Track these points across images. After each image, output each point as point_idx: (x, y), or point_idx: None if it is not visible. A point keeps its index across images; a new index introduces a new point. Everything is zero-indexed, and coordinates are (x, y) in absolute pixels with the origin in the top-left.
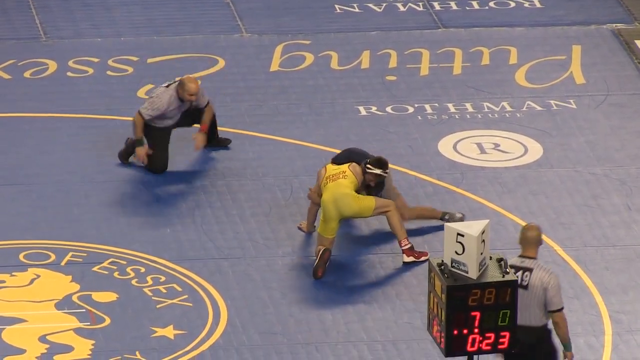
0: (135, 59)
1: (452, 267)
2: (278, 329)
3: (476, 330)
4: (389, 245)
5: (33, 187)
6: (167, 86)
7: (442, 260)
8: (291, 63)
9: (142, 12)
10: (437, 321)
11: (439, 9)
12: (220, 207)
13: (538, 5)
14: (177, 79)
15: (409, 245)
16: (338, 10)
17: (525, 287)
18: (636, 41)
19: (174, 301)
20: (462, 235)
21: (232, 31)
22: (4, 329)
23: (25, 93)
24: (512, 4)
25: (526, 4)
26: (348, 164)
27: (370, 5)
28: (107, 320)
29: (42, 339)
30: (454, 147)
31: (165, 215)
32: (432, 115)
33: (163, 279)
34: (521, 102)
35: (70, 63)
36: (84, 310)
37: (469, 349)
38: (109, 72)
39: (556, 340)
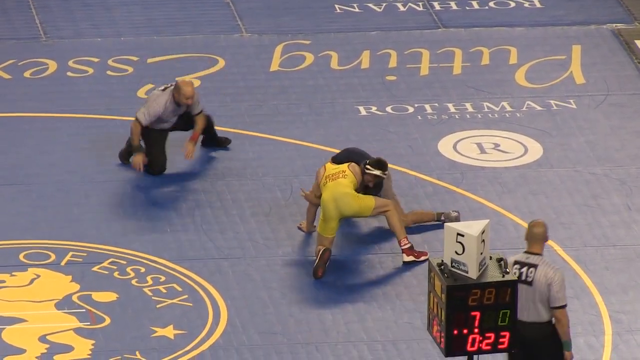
0: (135, 59)
1: (452, 267)
2: (278, 329)
3: (476, 330)
4: (389, 245)
5: (33, 187)
6: (163, 90)
7: (442, 260)
8: (291, 63)
9: (142, 12)
10: (437, 321)
11: (439, 9)
12: (220, 207)
13: (538, 5)
14: (177, 79)
15: (408, 245)
16: (338, 10)
17: (530, 284)
18: (636, 41)
19: (174, 301)
20: (462, 235)
21: (232, 31)
22: (4, 329)
23: (25, 93)
24: (512, 4)
25: (526, 4)
26: (347, 163)
27: (370, 5)
28: (107, 320)
29: (42, 338)
30: (454, 147)
31: (165, 215)
32: (432, 115)
33: (163, 279)
34: (521, 102)
35: (70, 63)
36: (84, 310)
37: (469, 348)
38: (109, 72)
39: None
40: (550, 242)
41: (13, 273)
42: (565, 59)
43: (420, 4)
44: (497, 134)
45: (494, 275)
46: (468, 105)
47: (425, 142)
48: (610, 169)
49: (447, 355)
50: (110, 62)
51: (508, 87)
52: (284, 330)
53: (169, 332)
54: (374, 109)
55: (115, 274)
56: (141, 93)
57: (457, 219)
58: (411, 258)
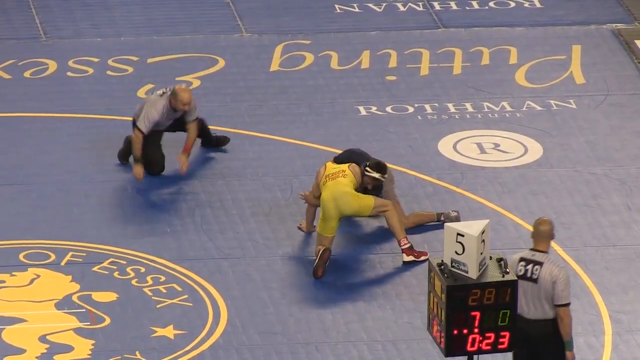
0: (135, 58)
1: (452, 267)
2: (278, 328)
3: (476, 330)
4: (389, 245)
5: (33, 187)
6: (161, 95)
7: (442, 260)
8: (291, 63)
9: (142, 12)
10: (437, 321)
11: (439, 9)
12: (220, 207)
13: (538, 5)
14: (176, 86)
15: (408, 245)
16: (338, 10)
17: (535, 281)
18: (636, 41)
19: (174, 301)
20: (462, 235)
21: (232, 31)
22: (4, 329)
23: (25, 93)
24: (512, 4)
25: (526, 4)
26: (348, 163)
27: (370, 5)
28: (107, 320)
29: (42, 338)
30: (454, 147)
31: (165, 215)
32: (432, 115)
33: (163, 278)
34: (521, 102)
35: (70, 63)
36: (84, 310)
37: (469, 348)
38: (109, 72)
39: None
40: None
41: (13, 273)
42: (565, 59)
43: (420, 4)
44: (497, 134)
45: (494, 275)
46: (468, 105)
47: (425, 142)
48: (610, 169)
49: (447, 355)
50: (110, 62)
51: (508, 87)
52: (284, 330)
53: (169, 332)
54: (374, 109)
55: (115, 274)
56: (141, 93)
57: (457, 219)
58: (411, 258)
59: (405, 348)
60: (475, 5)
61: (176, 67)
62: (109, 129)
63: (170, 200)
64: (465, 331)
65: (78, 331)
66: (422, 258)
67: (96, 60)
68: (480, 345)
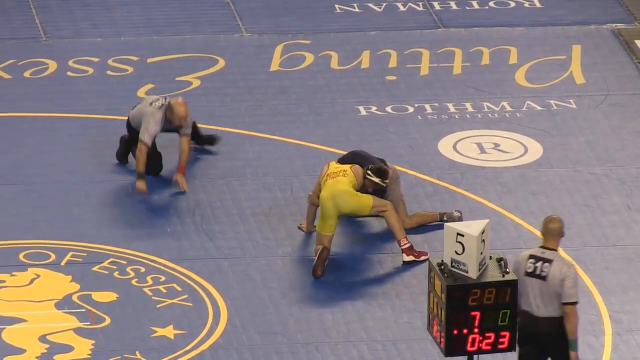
0: (135, 58)
1: (452, 266)
2: (278, 328)
3: (476, 330)
4: (389, 245)
5: (33, 187)
6: (159, 107)
7: (442, 260)
8: (291, 63)
9: (142, 12)
10: (437, 321)
11: (439, 8)
12: (220, 207)
13: (538, 5)
14: (178, 80)
15: (408, 245)
16: (338, 10)
17: (544, 279)
18: (636, 41)
19: (174, 301)
20: (462, 235)
21: (232, 31)
22: (4, 328)
23: (25, 93)
24: (512, 4)
25: (526, 4)
26: (351, 164)
27: (370, 5)
28: (107, 320)
29: (42, 338)
30: (454, 147)
31: (165, 215)
32: (432, 115)
33: (163, 278)
34: (521, 102)
35: (70, 63)
36: (84, 310)
37: (469, 348)
38: (109, 72)
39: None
40: None
41: (13, 273)
42: (565, 59)
43: (420, 4)
44: (497, 134)
45: (494, 275)
46: (468, 105)
47: (425, 142)
48: (610, 169)
49: (447, 355)
50: (110, 62)
51: (508, 87)
52: (284, 330)
53: (169, 332)
54: (374, 109)
55: (115, 274)
56: (141, 93)
57: (459, 219)
58: (411, 258)
59: (405, 348)
60: (475, 5)
61: (176, 67)
62: (109, 129)
63: (170, 200)
64: (465, 331)
65: (78, 331)
66: (422, 258)
67: (96, 60)
68: (480, 345)
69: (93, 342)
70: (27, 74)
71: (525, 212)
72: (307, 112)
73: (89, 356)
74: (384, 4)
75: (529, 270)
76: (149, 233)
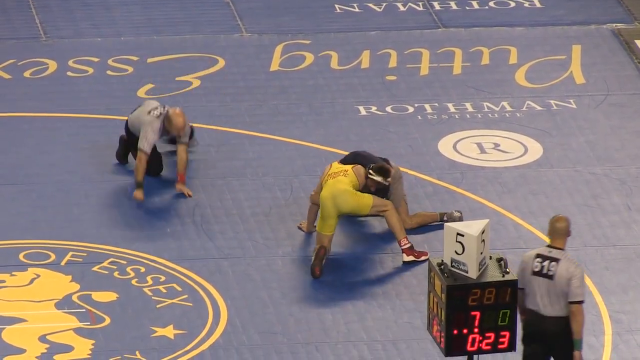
0: (135, 58)
1: (452, 266)
2: (278, 328)
3: (476, 330)
4: (389, 245)
5: (33, 187)
6: (157, 116)
7: (442, 260)
8: (291, 63)
9: (142, 12)
10: (437, 321)
11: (439, 8)
12: (220, 207)
13: (538, 5)
14: (178, 80)
15: (408, 245)
16: (338, 10)
17: (551, 278)
18: (636, 41)
19: (174, 301)
20: (462, 235)
21: (232, 31)
22: (4, 328)
23: (25, 93)
24: (512, 4)
25: (526, 4)
26: (353, 165)
27: (370, 5)
28: (107, 320)
29: (42, 338)
30: (454, 146)
31: (165, 215)
32: (432, 115)
33: (163, 278)
34: (521, 102)
35: (70, 63)
36: (83, 310)
37: (469, 348)
38: (109, 72)
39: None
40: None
41: (13, 273)
42: (565, 59)
43: (420, 3)
44: (497, 134)
45: (494, 275)
46: (468, 105)
47: (425, 142)
48: (610, 169)
49: (447, 355)
50: (110, 62)
51: (508, 87)
52: (284, 330)
53: (169, 332)
54: (374, 108)
55: (115, 274)
56: (141, 93)
57: (460, 219)
58: (411, 258)
59: (405, 348)
60: (475, 5)
61: (176, 67)
62: (109, 129)
63: (171, 200)
64: (465, 331)
65: (78, 331)
66: (422, 258)
67: (96, 60)
68: (480, 345)
69: (93, 342)
70: (27, 74)
71: (525, 212)
72: (307, 112)
73: (89, 356)
74: (384, 4)
75: (536, 270)
76: (149, 233)
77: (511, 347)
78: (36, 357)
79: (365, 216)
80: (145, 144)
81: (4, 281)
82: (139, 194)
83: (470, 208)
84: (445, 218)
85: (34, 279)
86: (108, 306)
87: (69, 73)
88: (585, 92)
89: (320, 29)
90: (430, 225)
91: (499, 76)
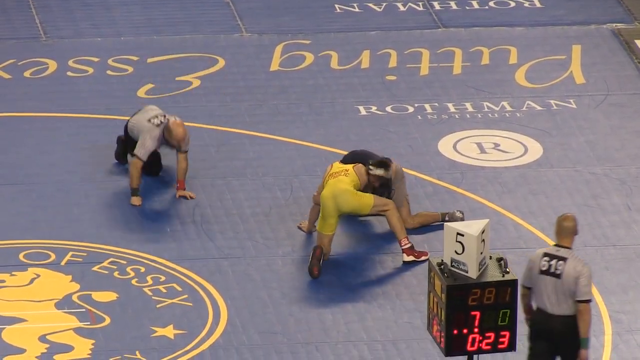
0: (135, 58)
1: (452, 266)
2: (278, 328)
3: (476, 330)
4: (389, 244)
5: (33, 186)
6: (157, 125)
7: (442, 260)
8: (291, 63)
9: (142, 12)
10: (437, 321)
11: (439, 8)
12: (220, 207)
13: (538, 5)
14: (178, 80)
15: (408, 245)
16: (338, 10)
17: (559, 277)
18: (636, 41)
19: (174, 301)
20: (462, 235)
21: (232, 31)
22: (4, 328)
23: (25, 93)
24: (512, 4)
25: (526, 4)
26: (353, 164)
27: (370, 5)
28: (107, 320)
29: (42, 338)
30: (454, 146)
31: (165, 215)
32: (432, 115)
33: (163, 278)
34: (521, 102)
35: (70, 63)
36: (83, 309)
37: (469, 348)
38: (109, 72)
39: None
40: (550, 242)
41: (13, 273)
42: (565, 58)
43: (420, 3)
44: (497, 134)
45: (494, 274)
46: (468, 105)
47: (425, 142)
48: (610, 169)
49: (447, 355)
50: (110, 61)
51: (508, 87)
52: (284, 330)
53: (169, 332)
54: (374, 108)
55: (115, 273)
56: (141, 93)
57: (461, 219)
58: (411, 258)
59: (405, 348)
60: (475, 5)
61: (176, 67)
62: (109, 129)
63: (170, 200)
64: (465, 331)
65: (78, 331)
66: (423, 258)
67: (96, 60)
68: (480, 345)
69: (93, 342)
70: (27, 74)
71: (525, 212)
72: (307, 112)
73: (89, 356)
74: (384, 4)
75: (544, 268)
76: (149, 233)
77: (511, 347)
78: (36, 357)
79: (366, 216)
80: (142, 150)
81: (4, 281)
82: (136, 200)
83: (471, 208)
84: (446, 218)
85: (34, 278)
86: (108, 306)
87: (69, 73)
88: (585, 92)
89: (320, 29)
90: (431, 225)
91: (499, 76)
